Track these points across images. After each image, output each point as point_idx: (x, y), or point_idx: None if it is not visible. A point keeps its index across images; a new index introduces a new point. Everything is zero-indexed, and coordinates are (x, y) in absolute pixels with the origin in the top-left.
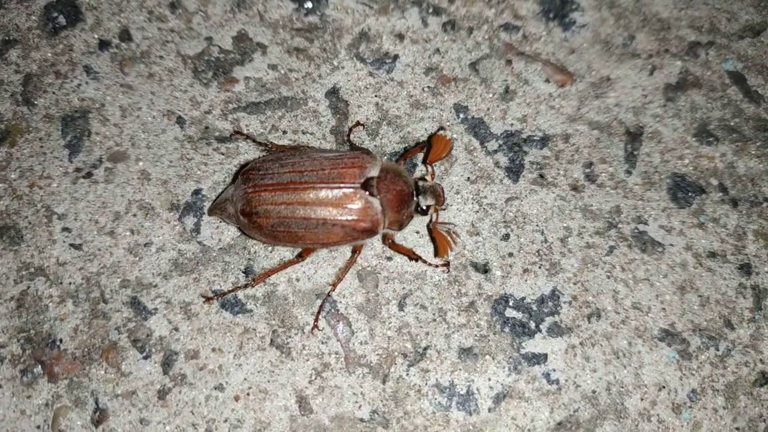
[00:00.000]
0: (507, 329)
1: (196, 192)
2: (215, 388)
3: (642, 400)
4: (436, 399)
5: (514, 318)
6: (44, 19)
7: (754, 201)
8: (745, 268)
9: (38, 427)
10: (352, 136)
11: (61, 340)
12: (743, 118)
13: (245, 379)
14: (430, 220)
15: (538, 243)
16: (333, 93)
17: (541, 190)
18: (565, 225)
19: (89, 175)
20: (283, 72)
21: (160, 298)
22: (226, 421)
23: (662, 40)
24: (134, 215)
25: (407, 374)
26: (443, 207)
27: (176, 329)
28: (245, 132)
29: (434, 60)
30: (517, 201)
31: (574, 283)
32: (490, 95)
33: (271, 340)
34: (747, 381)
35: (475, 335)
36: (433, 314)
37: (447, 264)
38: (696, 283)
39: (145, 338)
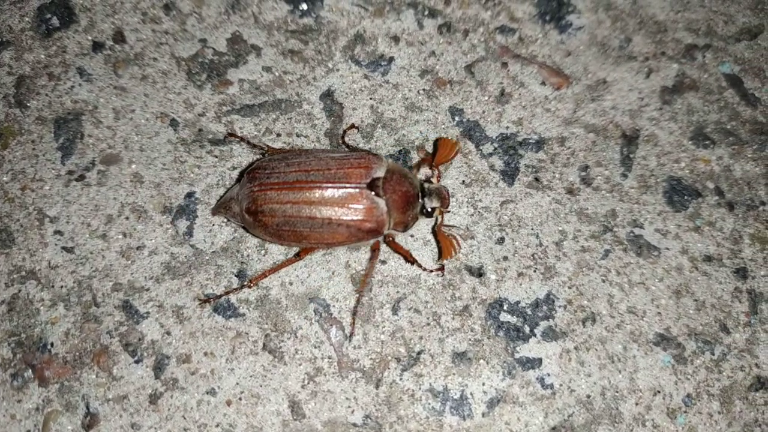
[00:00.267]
0: (501, 333)
1: (189, 195)
2: (207, 393)
3: (637, 404)
4: (429, 404)
5: (508, 322)
6: (37, 21)
7: (750, 204)
8: (741, 272)
9: (29, 431)
10: (346, 138)
11: (52, 344)
12: (740, 121)
13: (237, 383)
14: (435, 223)
15: (533, 246)
16: (328, 95)
17: (536, 194)
18: (560, 228)
19: (82, 177)
20: (277, 74)
21: (152, 302)
22: (218, 425)
23: (659, 43)
24: (127, 218)
25: (401, 379)
26: (448, 210)
27: (168, 333)
28: (239, 134)
29: (429, 62)
30: (512, 204)
31: (569, 287)
32: (486, 98)
33: (264, 345)
34: (742, 386)
35: (470, 339)
36: (427, 318)
37: (441, 268)
38: (692, 287)
39: (136, 342)
